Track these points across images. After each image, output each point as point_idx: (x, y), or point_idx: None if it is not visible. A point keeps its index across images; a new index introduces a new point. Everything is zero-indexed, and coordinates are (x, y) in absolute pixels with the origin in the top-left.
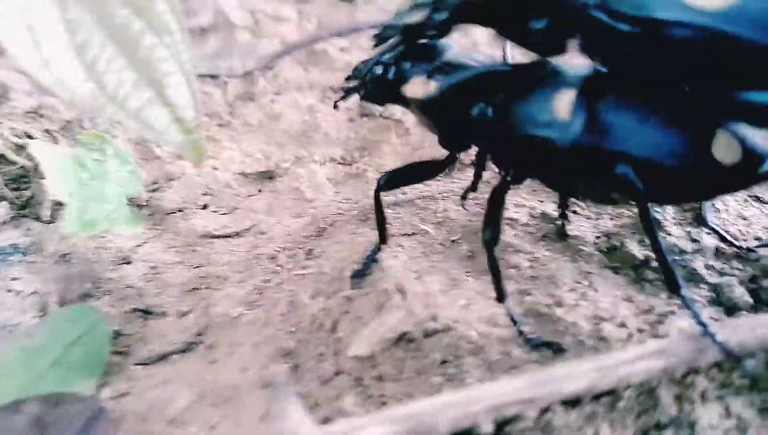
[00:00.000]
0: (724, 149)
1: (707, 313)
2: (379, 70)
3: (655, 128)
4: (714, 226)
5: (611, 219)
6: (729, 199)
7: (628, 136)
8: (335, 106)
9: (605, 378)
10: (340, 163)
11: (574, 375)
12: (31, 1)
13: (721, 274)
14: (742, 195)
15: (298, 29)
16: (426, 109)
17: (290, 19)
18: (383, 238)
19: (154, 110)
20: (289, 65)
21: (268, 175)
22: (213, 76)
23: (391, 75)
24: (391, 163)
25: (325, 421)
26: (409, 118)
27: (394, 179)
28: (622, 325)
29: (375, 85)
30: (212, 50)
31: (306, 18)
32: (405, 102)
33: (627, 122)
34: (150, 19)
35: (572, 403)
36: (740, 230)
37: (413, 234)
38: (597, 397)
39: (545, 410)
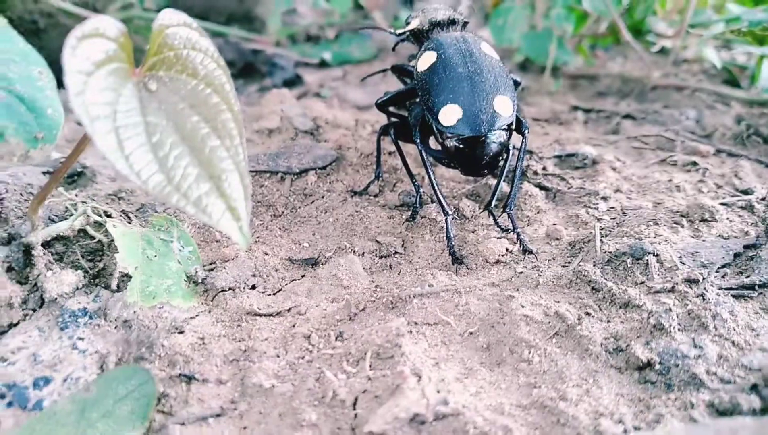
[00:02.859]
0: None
1: (706, 415)
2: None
3: None
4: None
5: (621, 322)
6: (738, 308)
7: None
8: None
9: None
10: (377, 256)
11: None
12: (120, 107)
13: (723, 380)
14: (753, 306)
15: (353, 136)
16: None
17: (347, 125)
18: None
19: (211, 200)
20: (339, 169)
21: (312, 262)
22: (273, 173)
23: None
24: (424, 258)
25: None
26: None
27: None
28: (620, 421)
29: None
30: (275, 150)
31: (361, 125)
32: None
33: None
34: (215, 126)
35: None
36: (746, 340)
37: (435, 324)
38: None
39: None
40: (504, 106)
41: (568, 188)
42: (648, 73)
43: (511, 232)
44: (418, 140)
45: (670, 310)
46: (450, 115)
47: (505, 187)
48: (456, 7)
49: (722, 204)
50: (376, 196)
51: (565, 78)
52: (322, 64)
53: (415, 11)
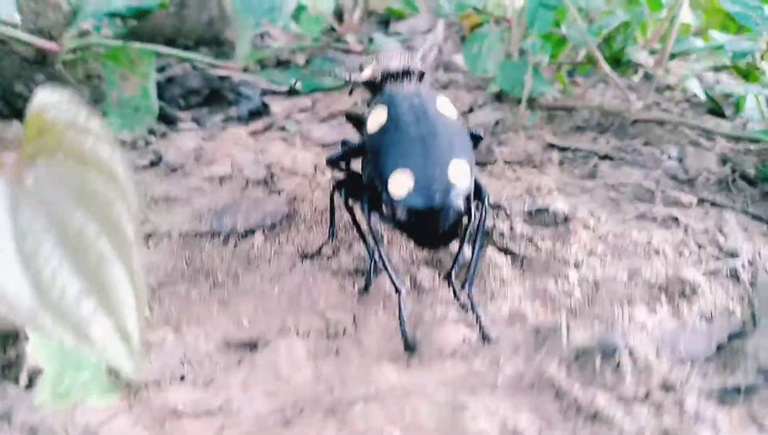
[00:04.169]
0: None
1: None
2: None
3: None
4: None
5: None
6: (722, 417)
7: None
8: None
9: None
10: (324, 336)
11: None
12: None
13: None
14: (739, 413)
15: (310, 184)
16: None
17: (305, 172)
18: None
19: (97, 320)
20: (291, 226)
21: (251, 346)
22: (215, 234)
23: None
24: (375, 340)
25: None
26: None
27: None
28: None
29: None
30: (222, 203)
31: (321, 171)
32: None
33: None
34: (105, 222)
35: None
36: None
37: None
38: None
39: None
40: (460, 174)
41: (537, 252)
42: (628, 107)
43: (471, 313)
44: (367, 207)
45: (644, 427)
46: (401, 184)
47: (467, 251)
48: (425, 43)
49: (706, 272)
50: (329, 257)
51: (541, 109)
52: (291, 92)
53: (371, 57)
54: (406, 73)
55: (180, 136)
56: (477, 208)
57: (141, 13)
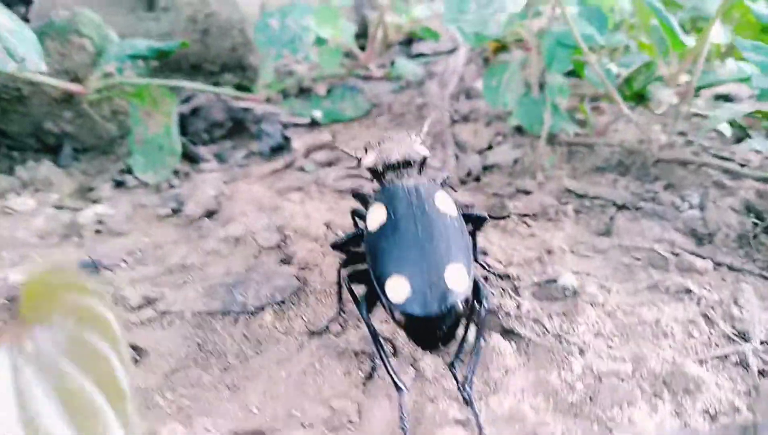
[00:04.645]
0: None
1: None
2: None
3: None
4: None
5: None
6: None
7: None
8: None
9: None
10: (327, 428)
11: None
12: None
13: None
14: None
15: (322, 249)
16: None
17: (317, 234)
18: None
19: None
20: (300, 301)
21: None
22: (226, 313)
23: None
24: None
25: None
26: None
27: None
28: None
29: None
30: (234, 274)
31: (333, 232)
32: None
33: None
34: (101, 383)
35: None
36: None
37: None
38: None
39: None
40: (458, 279)
41: (543, 335)
42: (649, 146)
43: (470, 411)
44: (365, 311)
45: None
46: (398, 289)
47: (471, 337)
48: (420, 132)
49: (714, 359)
50: (337, 334)
51: (561, 146)
52: (313, 123)
53: (373, 143)
54: (407, 164)
55: (202, 178)
56: (476, 309)
57: (162, 54)
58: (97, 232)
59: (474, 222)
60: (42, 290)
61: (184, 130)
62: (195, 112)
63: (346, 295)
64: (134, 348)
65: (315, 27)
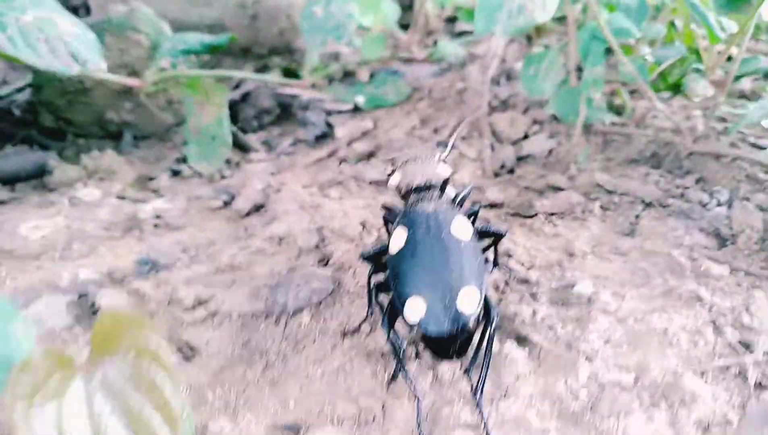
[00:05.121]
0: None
1: None
2: None
3: None
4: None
5: None
6: None
7: None
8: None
9: None
10: (355, 423)
11: None
12: (64, 404)
13: None
14: None
15: (356, 249)
16: None
17: (353, 234)
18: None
19: None
20: (335, 301)
21: (295, 429)
22: (268, 314)
23: None
24: (399, 432)
25: None
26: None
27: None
28: None
29: None
30: (276, 276)
31: (368, 232)
32: None
33: None
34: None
35: None
36: None
37: None
38: None
39: None
40: (469, 302)
41: (556, 341)
42: (683, 139)
43: (480, 418)
44: (387, 324)
45: None
46: (414, 310)
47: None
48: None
49: (715, 370)
50: (367, 335)
51: (597, 135)
52: (356, 109)
53: (398, 161)
54: (428, 187)
55: (251, 168)
56: (486, 326)
57: (213, 48)
58: (156, 226)
59: (493, 236)
60: (109, 328)
61: (235, 116)
62: (245, 97)
63: (374, 299)
64: (189, 347)
65: (357, 15)
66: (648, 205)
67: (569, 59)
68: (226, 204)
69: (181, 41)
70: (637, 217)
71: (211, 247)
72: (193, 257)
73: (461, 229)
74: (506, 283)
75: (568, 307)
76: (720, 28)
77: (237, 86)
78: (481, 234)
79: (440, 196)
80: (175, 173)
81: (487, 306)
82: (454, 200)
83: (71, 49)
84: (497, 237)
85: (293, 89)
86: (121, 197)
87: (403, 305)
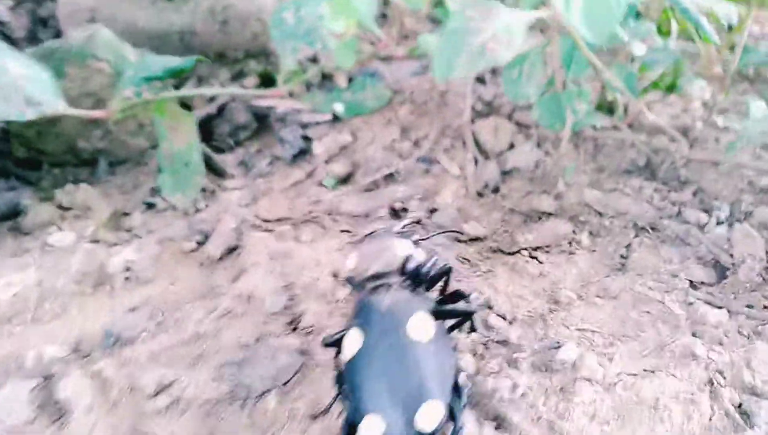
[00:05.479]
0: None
1: None
2: None
3: None
4: None
5: None
6: None
7: None
8: None
9: None
10: None
11: None
12: None
13: None
14: None
15: (329, 309)
16: None
17: (324, 290)
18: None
19: None
20: (304, 379)
21: None
22: (233, 399)
23: None
24: None
25: None
26: None
27: None
28: None
29: None
30: (242, 349)
31: (341, 288)
32: None
33: None
34: None
35: None
36: None
37: None
38: None
39: None
40: (430, 420)
41: (537, 422)
42: (679, 146)
43: None
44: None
45: None
46: (371, 430)
47: None
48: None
49: None
50: (339, 415)
51: (586, 142)
52: (335, 118)
53: (357, 243)
54: (386, 274)
55: (227, 197)
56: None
57: (178, 73)
58: (126, 279)
59: (462, 316)
60: None
61: (211, 133)
62: (221, 111)
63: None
64: None
65: (328, 20)
66: (641, 229)
67: (552, 62)
68: (200, 244)
69: (143, 68)
70: (628, 246)
71: (178, 310)
72: (160, 324)
73: (421, 327)
74: (485, 346)
75: (551, 375)
76: (715, 32)
77: (212, 99)
78: (447, 314)
79: (401, 281)
80: (150, 206)
81: (452, 413)
82: (417, 279)
83: (25, 94)
84: (465, 316)
85: (269, 100)
86: (95, 241)
87: (359, 422)
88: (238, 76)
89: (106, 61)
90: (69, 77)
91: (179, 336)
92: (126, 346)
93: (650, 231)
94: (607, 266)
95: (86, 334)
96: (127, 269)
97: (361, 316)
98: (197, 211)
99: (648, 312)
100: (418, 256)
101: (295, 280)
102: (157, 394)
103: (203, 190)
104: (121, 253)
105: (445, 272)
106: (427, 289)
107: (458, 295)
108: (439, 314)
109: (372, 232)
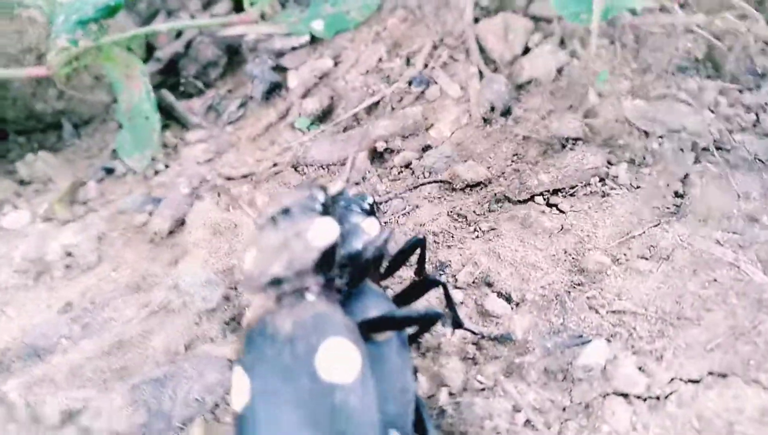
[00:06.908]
0: None
1: None
2: None
3: None
4: None
5: None
6: None
7: None
8: None
9: None
10: None
11: None
12: None
13: None
14: None
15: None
16: None
17: None
18: None
19: None
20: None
21: None
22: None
23: None
24: None
25: None
26: None
27: None
28: None
29: None
30: (167, 364)
31: None
32: None
33: None
34: None
35: None
36: None
37: None
38: None
39: None
40: None
41: None
42: (752, 26)
43: None
44: None
45: None
46: None
47: None
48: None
49: None
50: None
51: (625, 33)
52: (314, 39)
53: (260, 228)
54: (296, 274)
55: (188, 153)
56: None
57: (111, 11)
58: (67, 266)
59: (422, 320)
60: None
61: (177, 74)
62: (188, 47)
63: None
64: None
65: None
66: (703, 151)
67: None
68: (152, 214)
69: (73, 10)
70: (685, 178)
71: (108, 306)
72: (85, 327)
73: (339, 360)
74: (477, 346)
75: (570, 387)
76: None
77: (179, 35)
78: (405, 321)
79: (321, 286)
80: (109, 172)
81: None
82: (359, 272)
83: None
84: (427, 321)
85: (239, 28)
86: (49, 219)
87: None
88: (208, 6)
89: (35, 9)
90: (1, 32)
91: (102, 343)
92: (45, 357)
93: (716, 153)
94: (655, 211)
95: (13, 343)
96: (69, 255)
97: (249, 354)
98: (156, 172)
99: (715, 280)
100: (364, 234)
101: (240, 262)
102: (63, 423)
103: (165, 145)
104: (67, 235)
105: (410, 249)
106: (383, 277)
107: (428, 284)
108: (382, 325)
109: (285, 209)
